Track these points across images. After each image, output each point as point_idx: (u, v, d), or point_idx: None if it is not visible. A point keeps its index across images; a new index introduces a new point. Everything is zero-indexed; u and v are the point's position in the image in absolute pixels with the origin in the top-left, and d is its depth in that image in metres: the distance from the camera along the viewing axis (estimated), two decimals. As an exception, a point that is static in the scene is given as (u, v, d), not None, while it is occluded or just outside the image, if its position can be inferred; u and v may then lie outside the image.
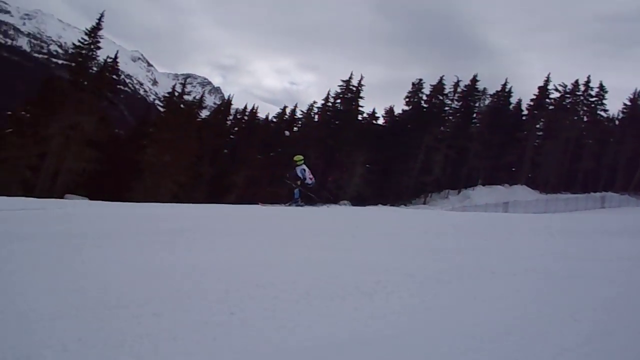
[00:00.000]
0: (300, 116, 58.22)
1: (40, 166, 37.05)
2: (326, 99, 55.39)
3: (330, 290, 4.13)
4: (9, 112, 41.16)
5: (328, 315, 3.55)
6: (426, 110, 55.89)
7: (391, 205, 38.89)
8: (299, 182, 15.56)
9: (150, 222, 8.92)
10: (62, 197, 33.03)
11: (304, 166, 15.69)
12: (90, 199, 30.11)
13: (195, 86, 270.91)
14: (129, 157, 41.79)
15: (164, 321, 3.21)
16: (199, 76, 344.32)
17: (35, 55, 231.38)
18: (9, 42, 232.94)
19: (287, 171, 17.97)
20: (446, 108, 58.03)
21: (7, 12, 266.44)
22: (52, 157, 37.37)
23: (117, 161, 41.08)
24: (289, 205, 15.65)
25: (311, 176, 15.70)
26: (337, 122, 53.45)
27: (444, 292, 4.42)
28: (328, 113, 55.12)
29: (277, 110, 62.86)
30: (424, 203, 51.31)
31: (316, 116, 57.04)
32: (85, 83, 39.60)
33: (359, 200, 41.97)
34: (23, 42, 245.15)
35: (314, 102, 58.78)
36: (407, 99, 57.47)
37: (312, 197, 15.84)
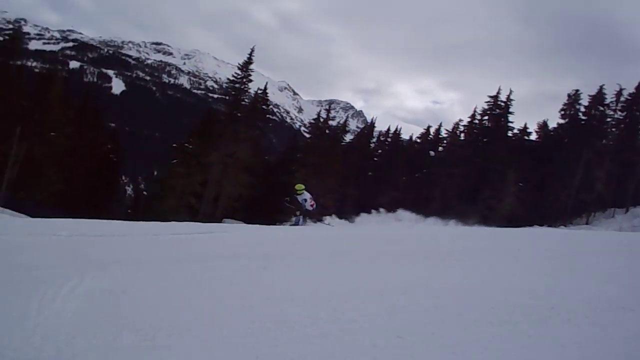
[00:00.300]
0: (445, 135, 57.02)
1: (202, 193, 40.27)
2: (472, 117, 53.65)
3: (498, 316, 3.89)
4: (174, 144, 45.55)
5: (500, 342, 3.34)
6: (584, 122, 51.74)
7: (548, 226, 36.26)
8: (298, 212, 16.08)
9: (306, 243, 9.18)
10: (220, 221, 35.52)
11: (305, 195, 16.01)
12: (245, 222, 32.01)
13: (338, 111, 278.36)
14: (279, 181, 43.91)
15: (332, 342, 3.23)
16: (342, 101, 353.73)
17: (195, 91, 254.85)
18: (172, 80, 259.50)
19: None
20: (608, 119, 53.21)
21: (170, 53, 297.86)
22: (212, 184, 40.45)
23: (268, 186, 43.33)
24: (293, 225, 16.41)
25: (312, 202, 16.20)
26: (485, 140, 51.53)
27: (629, 321, 3.96)
28: (475, 131, 53.32)
29: (421, 130, 61.96)
30: (587, 223, 47.17)
31: (462, 134, 55.46)
32: (239, 114, 42.48)
33: (512, 220, 39.75)
34: (184, 80, 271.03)
35: (460, 120, 57.11)
36: (562, 112, 53.65)
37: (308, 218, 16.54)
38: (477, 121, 53.86)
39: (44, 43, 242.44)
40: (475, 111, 53.98)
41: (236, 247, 8.14)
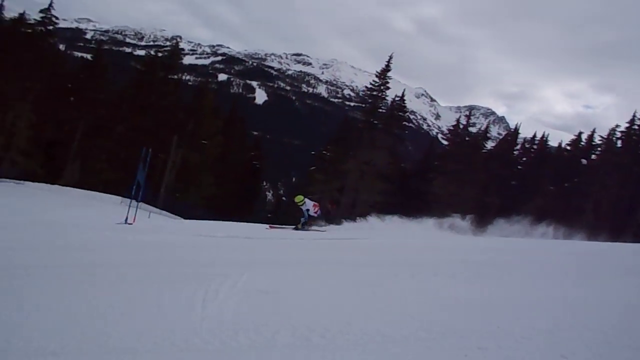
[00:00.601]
0: (599, 142, 52.57)
1: (339, 199, 40.99)
2: (631, 122, 48.78)
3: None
4: (313, 152, 46.97)
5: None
6: None
7: None
8: (302, 221, 17.02)
9: (447, 254, 8.98)
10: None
11: (307, 205, 17.06)
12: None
13: (478, 117, 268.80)
14: (415, 189, 43.34)
15: (490, 356, 3.10)
16: (482, 107, 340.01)
17: (332, 99, 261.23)
18: (311, 90, 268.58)
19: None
20: None
21: (309, 64, 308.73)
22: (349, 190, 41.06)
23: (404, 193, 42.96)
24: (295, 229, 17.05)
25: (316, 209, 17.50)
26: (645, 147, 46.74)
27: None
28: (634, 137, 48.56)
29: (571, 137, 57.38)
30: None
31: (619, 141, 50.75)
32: (376, 122, 42.70)
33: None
34: (322, 89, 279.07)
35: (616, 126, 52.28)
36: None
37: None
38: (636, 126, 49.00)
39: (197, 58, 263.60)
40: (634, 116, 49.10)
41: (379, 255, 8.19)
